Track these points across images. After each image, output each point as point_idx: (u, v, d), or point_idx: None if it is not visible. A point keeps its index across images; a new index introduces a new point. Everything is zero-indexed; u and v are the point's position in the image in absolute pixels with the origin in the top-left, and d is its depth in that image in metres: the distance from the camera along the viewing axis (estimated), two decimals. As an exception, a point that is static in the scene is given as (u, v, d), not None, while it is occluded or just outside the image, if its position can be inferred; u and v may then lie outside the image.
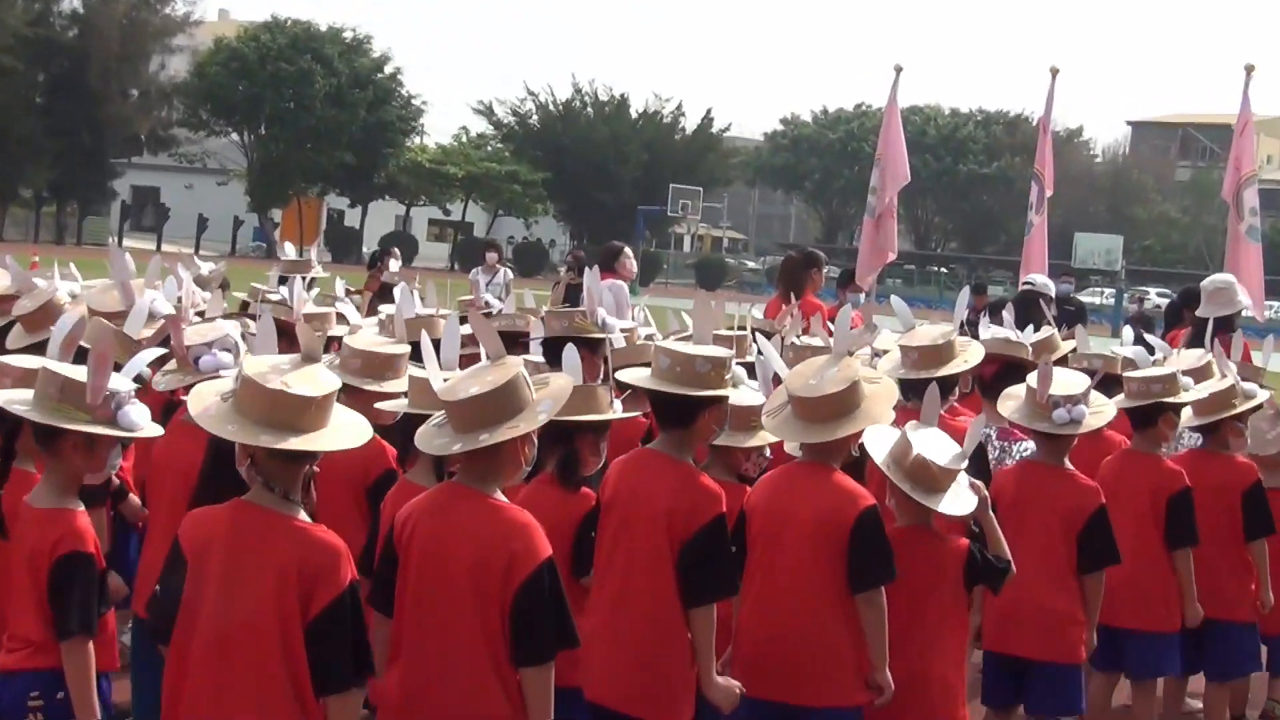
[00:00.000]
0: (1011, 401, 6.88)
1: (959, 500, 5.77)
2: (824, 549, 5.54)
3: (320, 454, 4.53)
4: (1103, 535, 6.64)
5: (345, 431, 4.47)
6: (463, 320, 6.32)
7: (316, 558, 4.31)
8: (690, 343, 5.85)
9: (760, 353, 6.41)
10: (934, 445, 5.76)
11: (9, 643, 4.81)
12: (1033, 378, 6.78)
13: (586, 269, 9.36)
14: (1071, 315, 14.56)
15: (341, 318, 8.02)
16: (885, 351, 7.67)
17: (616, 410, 5.60)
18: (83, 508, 4.87)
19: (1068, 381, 6.78)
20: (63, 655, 4.65)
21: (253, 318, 7.12)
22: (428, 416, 4.94)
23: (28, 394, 4.79)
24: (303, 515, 4.42)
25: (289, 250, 12.52)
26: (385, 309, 8.60)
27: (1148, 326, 11.07)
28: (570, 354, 5.40)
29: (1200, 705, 8.15)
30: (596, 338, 7.35)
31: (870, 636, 5.55)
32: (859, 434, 5.69)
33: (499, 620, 4.58)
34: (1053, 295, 13.01)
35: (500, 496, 4.75)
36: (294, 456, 4.35)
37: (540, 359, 6.13)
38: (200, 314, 7.24)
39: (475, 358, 5.01)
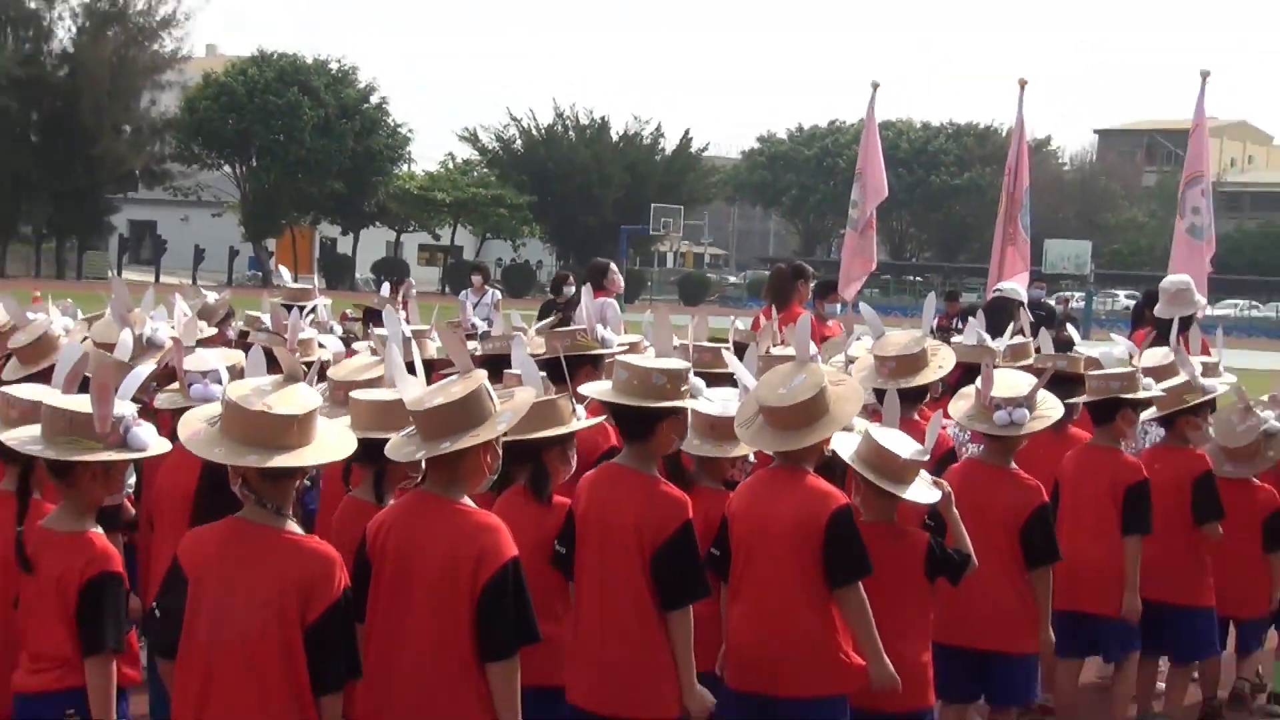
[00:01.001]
0: (961, 402, 6.94)
1: (923, 491, 5.86)
2: (802, 548, 5.56)
3: (310, 468, 4.62)
4: (1044, 532, 6.67)
5: (330, 446, 4.55)
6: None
7: (312, 568, 4.39)
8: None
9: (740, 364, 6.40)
10: (897, 441, 5.83)
11: (33, 664, 4.81)
12: (1000, 380, 6.81)
13: (583, 287, 9.38)
14: (1042, 319, 14.62)
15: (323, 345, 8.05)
16: (856, 358, 7.69)
17: (579, 420, 5.61)
18: (101, 530, 4.90)
19: (1012, 384, 6.78)
20: (88, 671, 4.66)
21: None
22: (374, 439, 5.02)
23: (34, 430, 4.82)
24: (295, 528, 4.50)
25: (285, 275, 12.46)
26: (377, 331, 8.63)
27: (1075, 325, 11.08)
28: (529, 369, 5.45)
29: (1161, 688, 8.20)
30: (599, 354, 7.36)
31: (855, 629, 5.59)
32: (826, 439, 5.72)
33: (469, 619, 4.62)
34: (1023, 300, 13.09)
35: (468, 502, 4.79)
36: (282, 473, 4.41)
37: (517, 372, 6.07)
38: (199, 343, 7.28)
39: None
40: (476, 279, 21.66)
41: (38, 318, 7.60)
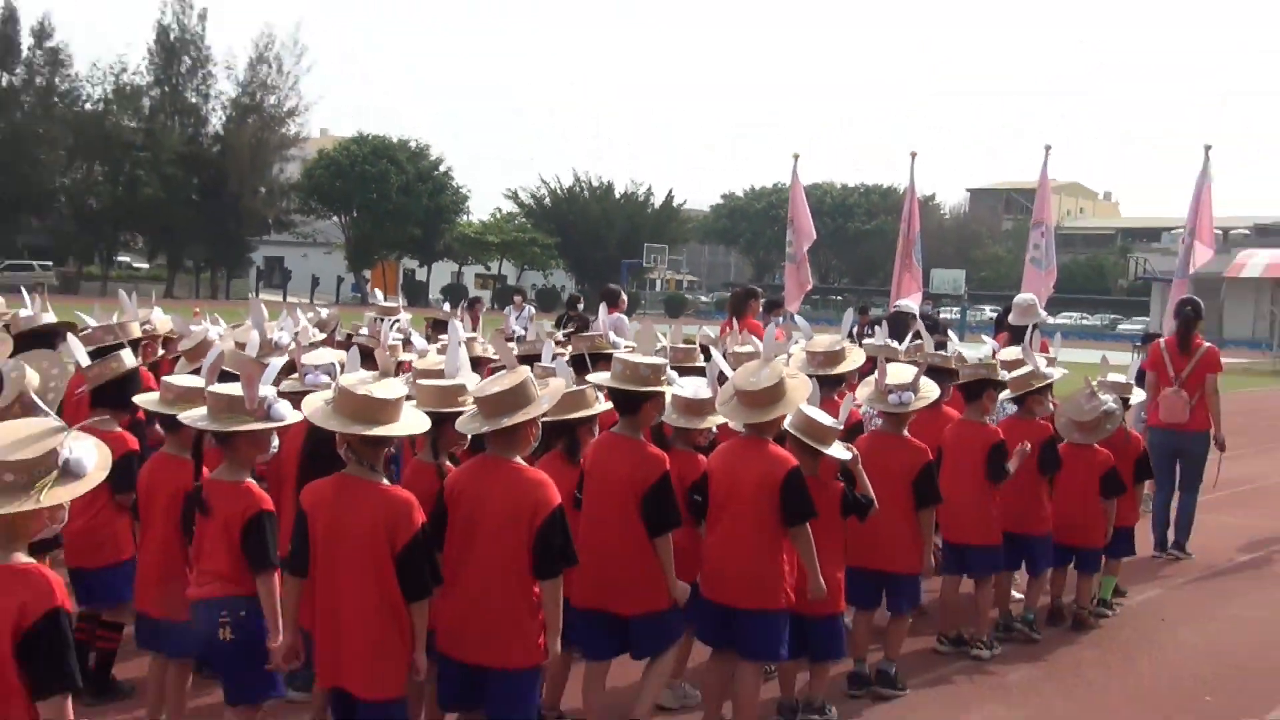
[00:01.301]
0: (865, 388, 6.98)
1: (839, 450, 5.91)
2: (764, 499, 5.57)
3: (397, 438, 4.67)
4: (930, 482, 6.69)
5: (411, 423, 4.61)
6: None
7: (396, 510, 4.45)
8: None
9: (709, 360, 6.39)
10: (821, 414, 5.90)
11: (200, 578, 4.83)
12: (891, 371, 6.90)
13: (600, 306, 9.54)
14: (929, 327, 14.66)
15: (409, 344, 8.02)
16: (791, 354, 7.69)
17: (600, 405, 5.64)
18: (254, 480, 4.93)
19: (901, 374, 6.85)
20: (259, 584, 4.68)
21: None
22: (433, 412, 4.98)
23: (201, 411, 4.85)
24: (385, 481, 4.55)
25: (379, 296, 12.54)
26: (442, 338, 8.63)
27: (948, 332, 11.08)
28: (562, 366, 5.57)
29: (1021, 596, 8.22)
30: (609, 352, 7.27)
31: (803, 557, 5.64)
32: (784, 415, 5.74)
33: (527, 548, 4.67)
34: (915, 313, 13.09)
35: (521, 462, 4.86)
36: (378, 441, 4.49)
37: (551, 366, 6.16)
38: (313, 344, 7.27)
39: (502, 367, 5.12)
40: (517, 299, 22.86)
41: (198, 328, 7.70)
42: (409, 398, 4.80)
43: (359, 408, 4.41)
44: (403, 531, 4.41)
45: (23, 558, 3.40)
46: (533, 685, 4.89)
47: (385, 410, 4.45)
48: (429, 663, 4.66)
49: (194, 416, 4.87)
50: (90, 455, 3.49)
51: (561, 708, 5.98)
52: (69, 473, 3.40)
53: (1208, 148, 14.71)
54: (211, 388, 4.91)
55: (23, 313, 7.82)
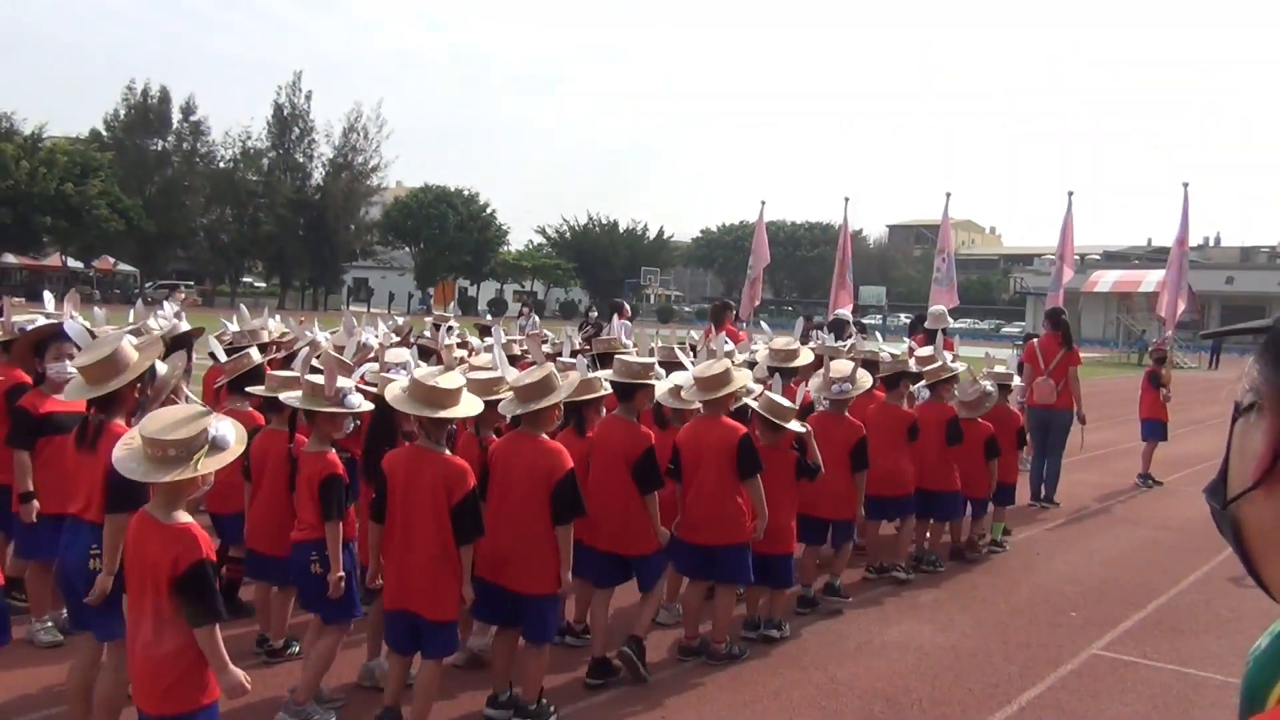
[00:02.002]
0: (815, 379, 6.91)
1: (796, 425, 5.85)
2: (724, 460, 5.52)
3: (457, 419, 4.62)
4: (862, 452, 6.62)
5: (468, 407, 4.53)
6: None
7: (452, 473, 4.37)
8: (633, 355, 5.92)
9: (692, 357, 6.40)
10: (782, 399, 5.85)
11: (299, 525, 4.77)
12: (834, 366, 6.83)
13: (614, 315, 9.46)
14: (859, 330, 14.73)
15: (465, 345, 7.95)
16: (757, 351, 7.64)
17: (606, 388, 5.45)
18: (334, 451, 4.82)
19: (840, 368, 6.78)
20: (326, 531, 4.62)
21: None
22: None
23: (297, 393, 4.82)
24: (446, 451, 4.48)
25: (445, 309, 12.47)
26: (487, 340, 8.57)
27: (875, 334, 10.99)
28: (580, 362, 5.43)
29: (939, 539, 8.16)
30: (620, 352, 7.29)
31: (755, 503, 5.57)
32: (732, 395, 5.66)
33: (547, 502, 4.63)
34: (850, 320, 13.08)
35: (545, 437, 4.80)
36: (440, 421, 4.42)
37: (571, 361, 6.08)
38: (392, 345, 7.21)
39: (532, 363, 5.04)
40: (525, 310, 21.40)
41: (305, 333, 7.58)
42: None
43: (427, 395, 4.35)
44: (458, 490, 4.34)
45: (182, 516, 3.42)
46: (554, 608, 4.83)
47: (448, 397, 4.39)
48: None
49: (292, 398, 4.83)
50: (231, 432, 3.50)
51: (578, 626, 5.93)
52: (216, 446, 3.41)
53: (1070, 193, 14.75)
54: (305, 377, 4.85)
55: (163, 324, 7.76)
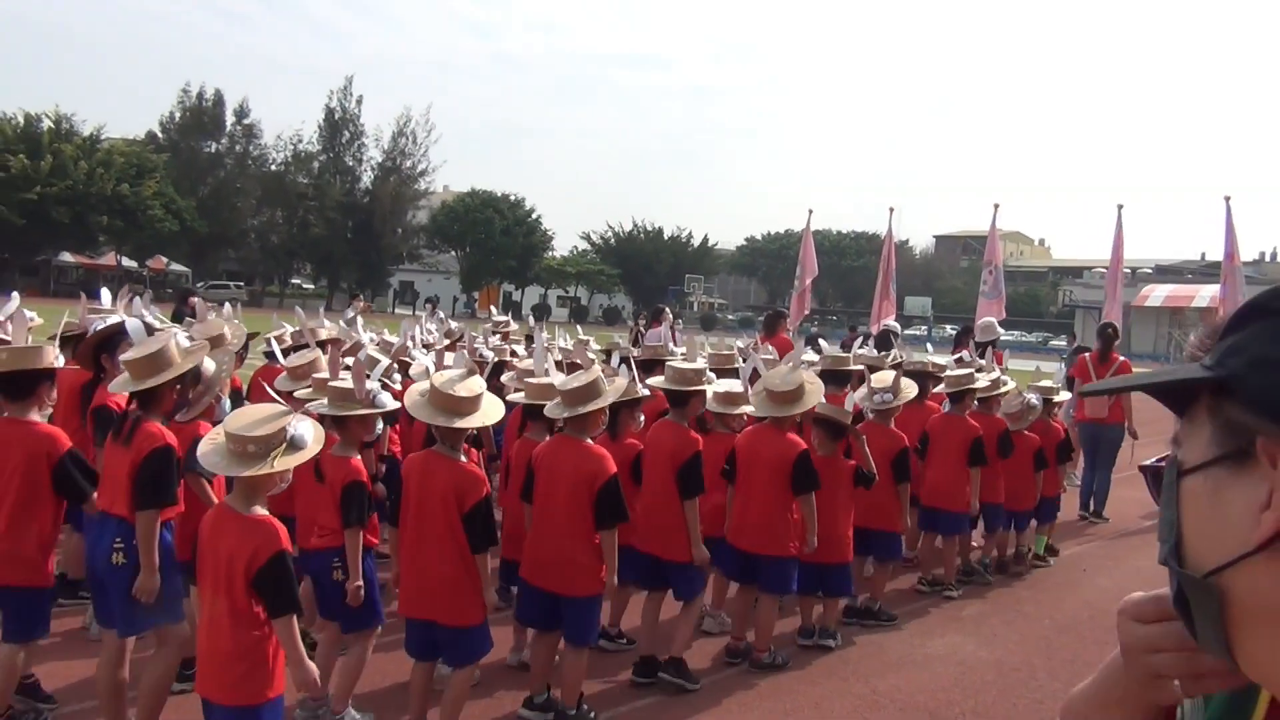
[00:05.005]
0: (861, 388, 6.90)
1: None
2: (779, 473, 5.53)
3: (474, 427, 4.43)
4: (905, 463, 6.60)
5: (489, 414, 4.40)
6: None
7: (465, 480, 4.26)
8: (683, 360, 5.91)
9: (743, 363, 6.35)
10: (835, 410, 5.90)
11: (319, 531, 4.66)
12: (876, 378, 6.87)
13: (663, 319, 9.52)
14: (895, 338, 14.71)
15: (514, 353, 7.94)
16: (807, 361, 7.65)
17: (641, 392, 5.41)
18: (359, 456, 4.70)
19: (883, 379, 6.78)
20: (346, 538, 4.51)
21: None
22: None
23: (323, 401, 4.70)
24: (462, 458, 4.35)
25: (493, 312, 12.57)
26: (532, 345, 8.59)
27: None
28: (624, 369, 5.37)
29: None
30: (665, 358, 7.31)
31: (806, 519, 5.59)
32: (800, 412, 5.68)
33: (590, 506, 4.60)
34: (897, 331, 13.02)
35: (589, 441, 4.76)
36: (457, 429, 4.29)
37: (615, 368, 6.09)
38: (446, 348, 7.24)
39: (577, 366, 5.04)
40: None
41: (352, 334, 7.69)
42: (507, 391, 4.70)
43: (444, 402, 4.26)
44: (469, 498, 4.21)
45: (260, 510, 3.48)
46: (595, 610, 4.84)
47: (465, 405, 4.26)
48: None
49: (316, 406, 4.65)
50: (309, 432, 3.55)
51: (623, 627, 5.96)
52: (294, 445, 3.47)
53: (1120, 206, 14.54)
54: (331, 382, 4.75)
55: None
